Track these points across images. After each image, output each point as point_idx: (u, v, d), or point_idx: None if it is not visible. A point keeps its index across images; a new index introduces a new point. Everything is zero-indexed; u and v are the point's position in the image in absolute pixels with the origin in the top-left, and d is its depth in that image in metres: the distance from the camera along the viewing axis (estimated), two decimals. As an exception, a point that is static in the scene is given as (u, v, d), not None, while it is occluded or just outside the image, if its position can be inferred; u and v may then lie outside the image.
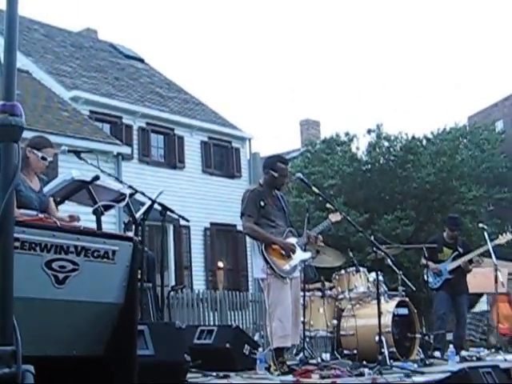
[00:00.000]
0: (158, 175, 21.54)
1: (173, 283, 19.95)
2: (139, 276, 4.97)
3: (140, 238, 5.57)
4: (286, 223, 7.71)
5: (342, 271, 9.72)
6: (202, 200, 23.09)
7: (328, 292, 9.65)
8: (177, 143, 23.83)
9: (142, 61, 29.41)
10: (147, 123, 23.08)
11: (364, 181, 23.65)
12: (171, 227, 21.56)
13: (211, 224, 23.87)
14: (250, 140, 26.61)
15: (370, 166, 24.37)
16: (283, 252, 7.41)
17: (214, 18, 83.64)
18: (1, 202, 2.47)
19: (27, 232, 3.08)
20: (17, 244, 2.98)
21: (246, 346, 7.90)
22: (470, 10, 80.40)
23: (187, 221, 6.53)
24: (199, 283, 21.88)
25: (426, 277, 10.30)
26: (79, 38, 28.54)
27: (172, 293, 11.69)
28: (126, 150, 19.90)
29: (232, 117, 32.74)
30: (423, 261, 10.49)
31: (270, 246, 7.36)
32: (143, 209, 6.36)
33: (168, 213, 6.65)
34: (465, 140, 27.63)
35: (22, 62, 20.81)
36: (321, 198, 8.44)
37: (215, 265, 23.23)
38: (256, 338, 9.98)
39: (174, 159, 23.53)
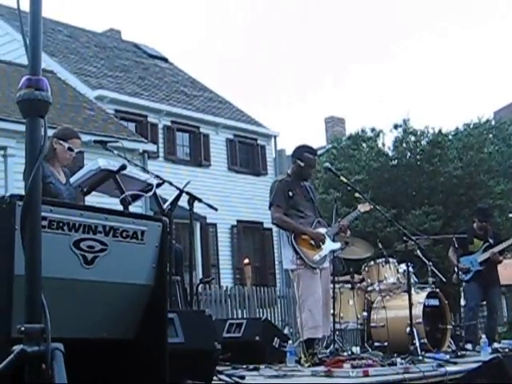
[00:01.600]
0: (184, 173, 21.50)
1: (200, 280, 19.91)
2: (167, 268, 4.93)
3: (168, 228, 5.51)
4: (314, 214, 7.64)
5: (372, 262, 9.63)
6: (228, 198, 23.05)
7: (357, 284, 9.56)
8: (202, 141, 23.84)
9: (165, 60, 29.46)
10: (172, 121, 23.10)
11: (391, 176, 23.47)
12: (198, 225, 21.53)
13: (238, 222, 23.86)
14: (275, 137, 26.58)
15: (396, 161, 24.17)
16: (313, 242, 7.34)
17: (237, 15, 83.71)
18: (27, 177, 2.41)
19: (55, 211, 3.02)
20: (44, 223, 2.92)
21: (276, 338, 7.83)
22: (492, 5, 79.85)
23: (215, 209, 6.45)
24: (227, 281, 21.83)
25: (456, 269, 10.17)
26: (103, 38, 28.64)
27: (200, 287, 11.63)
28: (151, 147, 19.89)
29: (257, 114, 32.73)
30: (450, 253, 10.37)
31: (299, 236, 7.30)
32: (171, 199, 6.30)
33: (195, 209, 6.57)
34: (491, 135, 27.35)
35: (46, 62, 20.86)
36: (349, 189, 8.36)
37: (242, 263, 23.21)
38: (285, 331, 9.90)
39: (199, 157, 23.54)
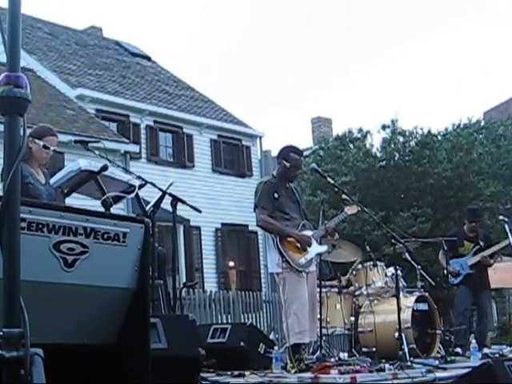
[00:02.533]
0: (167, 175, 21.40)
1: (184, 284, 19.86)
2: (150, 271, 4.90)
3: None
4: (300, 216, 7.63)
5: (359, 266, 9.62)
6: (213, 200, 23.02)
7: (345, 288, 9.56)
8: (186, 142, 23.81)
9: (148, 58, 29.40)
10: (155, 121, 23.06)
11: (379, 177, 23.50)
12: (181, 228, 21.49)
13: (222, 224, 23.84)
14: (260, 138, 26.58)
15: (384, 162, 24.18)
16: (299, 245, 7.33)
17: (222, 15, 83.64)
18: (6, 177, 2.39)
19: (34, 212, 3.00)
20: (23, 224, 2.90)
21: (261, 344, 7.82)
22: (480, 8, 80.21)
23: (199, 211, 6.45)
24: (211, 285, 21.79)
25: (445, 272, 10.18)
26: (84, 36, 28.54)
27: (184, 291, 11.60)
28: (133, 148, 19.89)
29: (242, 114, 32.71)
30: (440, 256, 10.38)
31: (285, 239, 7.29)
32: (153, 201, 6.28)
33: (178, 206, 6.55)
34: (480, 136, 27.41)
35: (25, 60, 20.81)
36: (336, 190, 8.36)
37: (227, 266, 23.17)
38: (271, 337, 9.90)
39: (183, 158, 23.52)
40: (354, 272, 9.67)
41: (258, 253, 24.46)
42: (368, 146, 25.13)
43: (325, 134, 31.16)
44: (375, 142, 25.47)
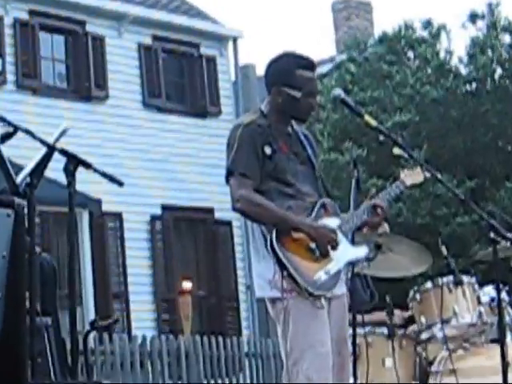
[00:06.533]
0: (56, 113, 21.47)
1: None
2: (27, 301, 4.83)
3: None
4: (316, 189, 7.60)
5: (429, 285, 9.67)
6: (146, 162, 23.08)
7: (401, 327, 9.61)
8: (91, 51, 23.73)
9: None
10: (31, 12, 22.99)
11: (464, 115, 23.61)
12: (86, 216, 21.41)
13: (164, 208, 23.84)
14: (235, 41, 26.48)
15: (475, 84, 24.30)
16: (313, 246, 7.31)
17: None
18: None
19: None
20: None
21: None
22: None
23: (120, 184, 6.42)
24: (144, 326, 21.90)
25: None
26: None
27: (93, 337, 11.64)
28: (-10, 63, 19.96)
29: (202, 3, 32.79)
30: None
31: (287, 235, 7.26)
32: (31, 165, 6.26)
33: (79, 174, 6.52)
34: None
35: None
36: (382, 140, 8.28)
37: (174, 287, 23.22)
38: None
39: (86, 82, 23.49)
40: (419, 296, 9.71)
41: (234, 262, 24.57)
42: (443, 54, 25.19)
43: (360, 32, 31.20)
44: (457, 46, 25.54)
